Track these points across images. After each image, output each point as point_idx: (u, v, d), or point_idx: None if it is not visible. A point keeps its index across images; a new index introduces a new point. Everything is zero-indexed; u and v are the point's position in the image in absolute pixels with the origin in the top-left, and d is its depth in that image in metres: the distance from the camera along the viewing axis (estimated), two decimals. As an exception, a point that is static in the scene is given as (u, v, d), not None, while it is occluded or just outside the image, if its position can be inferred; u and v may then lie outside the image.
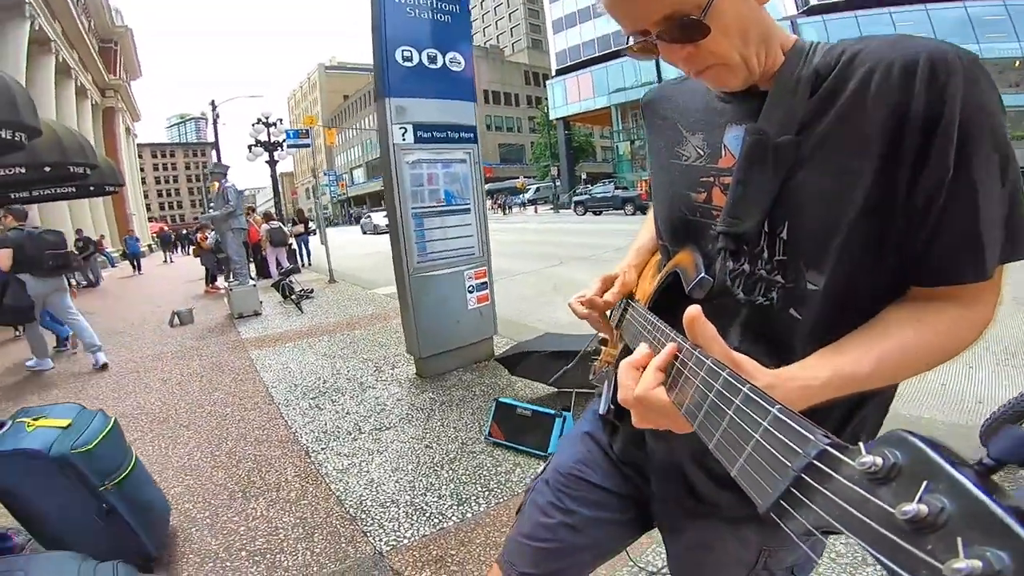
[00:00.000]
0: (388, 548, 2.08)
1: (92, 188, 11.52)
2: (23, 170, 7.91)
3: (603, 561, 0.99)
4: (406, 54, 3.75)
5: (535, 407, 2.77)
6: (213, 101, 18.50)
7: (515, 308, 6.26)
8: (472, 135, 4.19)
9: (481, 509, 2.29)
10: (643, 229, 1.05)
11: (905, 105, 0.56)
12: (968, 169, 0.56)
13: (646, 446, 0.88)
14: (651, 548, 1.92)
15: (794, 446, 0.35)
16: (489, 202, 14.20)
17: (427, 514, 2.28)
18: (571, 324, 5.15)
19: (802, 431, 0.35)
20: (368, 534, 2.18)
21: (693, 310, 0.55)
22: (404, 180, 3.82)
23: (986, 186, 0.57)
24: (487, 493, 2.41)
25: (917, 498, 0.26)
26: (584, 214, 25.20)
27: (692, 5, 0.59)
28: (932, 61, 0.55)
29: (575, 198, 27.23)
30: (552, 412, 2.69)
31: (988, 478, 0.26)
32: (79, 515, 1.96)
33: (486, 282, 4.32)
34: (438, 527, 2.19)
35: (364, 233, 26.81)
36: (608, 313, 0.96)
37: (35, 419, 2.05)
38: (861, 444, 0.31)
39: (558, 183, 38.33)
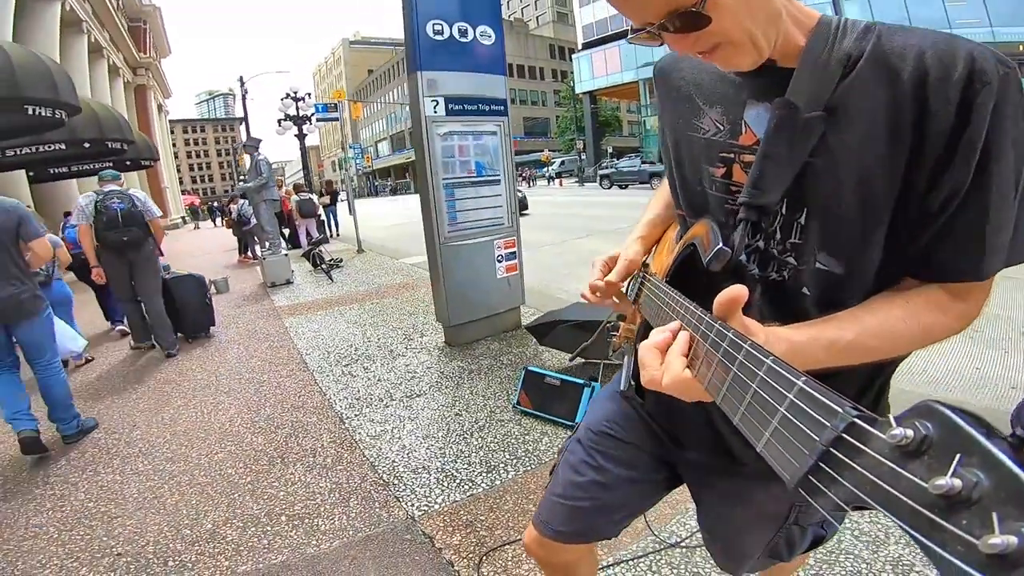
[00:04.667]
0: (420, 513, 2.14)
1: (129, 163, 11.82)
2: (63, 146, 8.15)
3: (632, 519, 1.03)
4: (437, 28, 3.75)
5: (564, 376, 2.77)
6: (241, 77, 18.67)
7: (541, 278, 6.25)
8: (503, 108, 4.24)
9: (510, 476, 2.33)
10: (652, 202, 1.04)
11: (937, 108, 0.57)
12: (987, 178, 0.58)
13: (676, 404, 0.89)
14: (676, 519, 1.93)
15: (822, 419, 0.34)
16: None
17: (457, 480, 2.33)
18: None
19: (830, 403, 0.34)
20: (400, 499, 2.24)
21: (741, 294, 0.54)
22: (436, 152, 3.86)
23: (1000, 195, 0.59)
24: (515, 461, 2.45)
25: (951, 472, 0.26)
26: (610, 187, 24.82)
27: None
28: (971, 68, 0.55)
29: (601, 171, 26.76)
30: (581, 382, 2.69)
31: (1022, 451, 0.25)
32: (200, 302, 5.16)
33: (515, 252, 4.33)
34: (468, 493, 2.24)
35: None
36: (625, 289, 0.96)
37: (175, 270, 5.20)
38: (891, 416, 0.30)
39: (583, 157, 37.74)
